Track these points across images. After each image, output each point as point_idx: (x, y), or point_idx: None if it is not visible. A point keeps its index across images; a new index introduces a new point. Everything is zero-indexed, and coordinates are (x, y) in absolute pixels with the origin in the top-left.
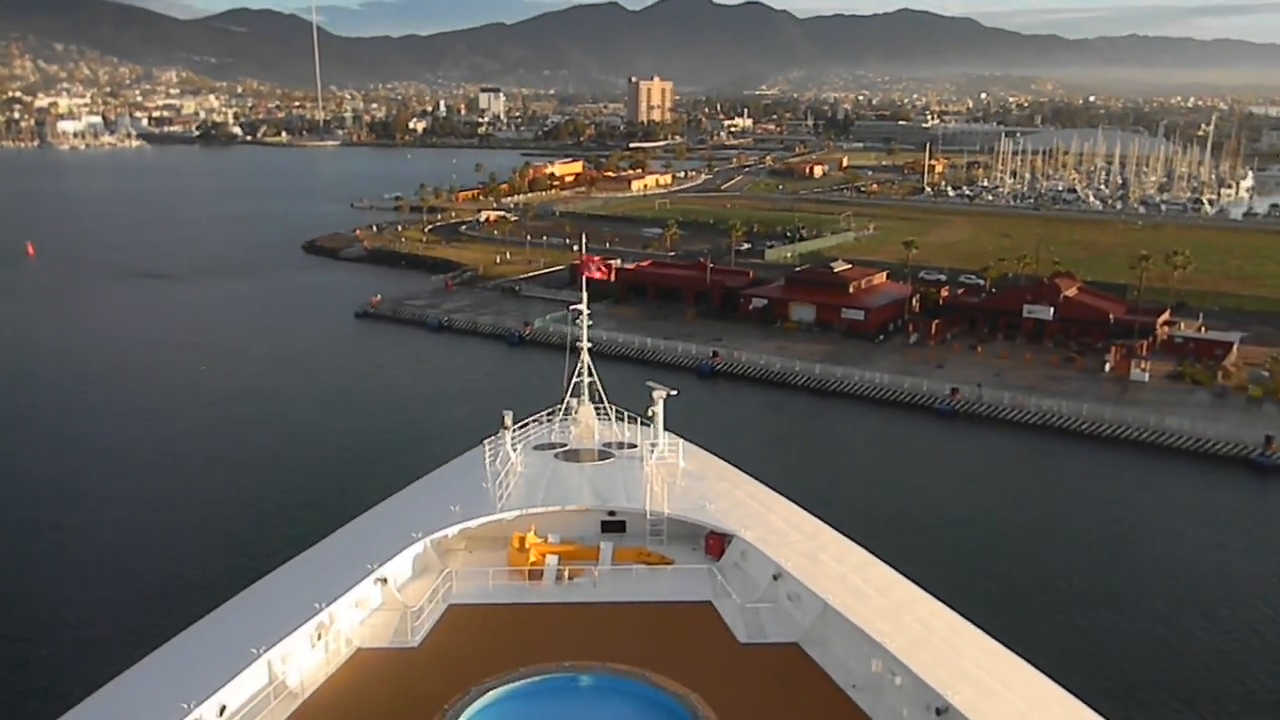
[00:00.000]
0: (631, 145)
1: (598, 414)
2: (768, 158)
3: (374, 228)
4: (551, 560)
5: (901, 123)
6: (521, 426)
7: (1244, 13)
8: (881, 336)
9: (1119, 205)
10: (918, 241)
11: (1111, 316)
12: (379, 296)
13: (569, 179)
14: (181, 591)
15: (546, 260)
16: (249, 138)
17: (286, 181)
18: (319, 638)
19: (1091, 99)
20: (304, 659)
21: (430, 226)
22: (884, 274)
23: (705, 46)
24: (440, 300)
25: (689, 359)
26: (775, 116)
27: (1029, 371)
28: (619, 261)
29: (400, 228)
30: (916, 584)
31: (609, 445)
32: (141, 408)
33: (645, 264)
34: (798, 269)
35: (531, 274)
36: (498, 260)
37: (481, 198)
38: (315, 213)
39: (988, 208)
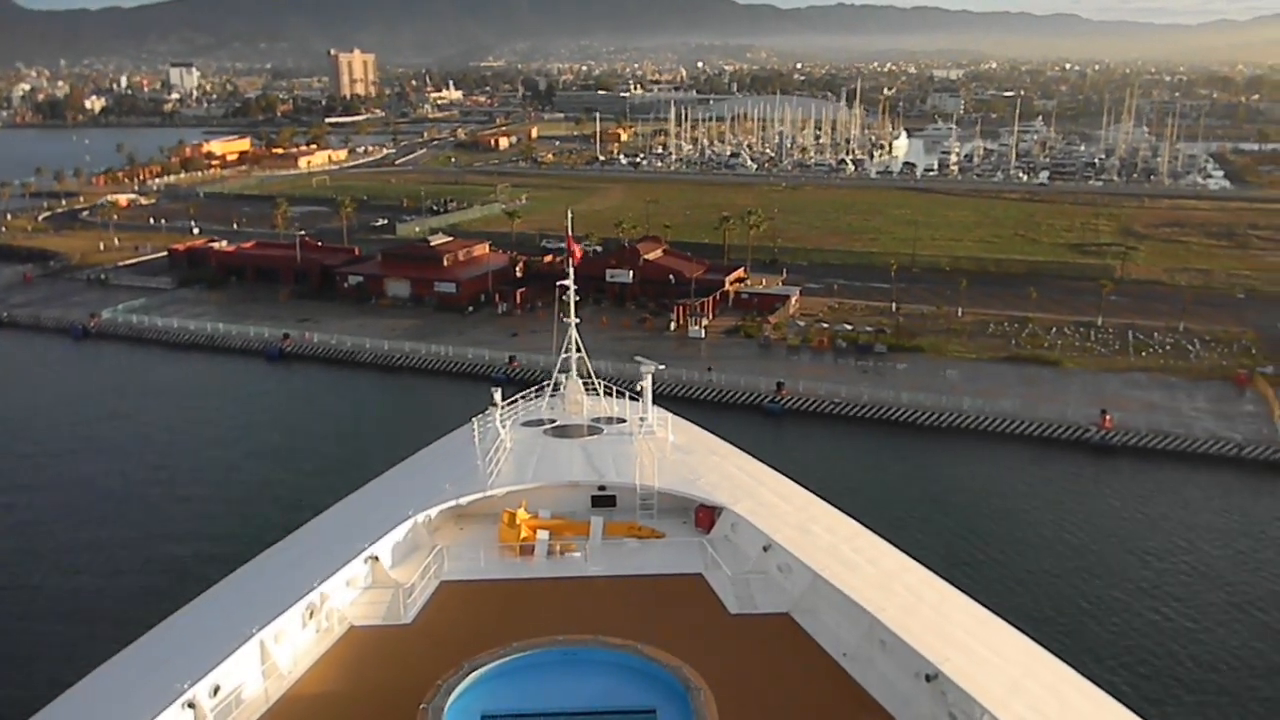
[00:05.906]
0: (330, 120)
1: (586, 390)
2: (459, 130)
3: None
4: (543, 536)
5: (602, 93)
6: (510, 403)
7: None
8: (472, 308)
9: (774, 169)
10: (571, 210)
11: (672, 277)
12: None
13: (232, 157)
14: None
15: (155, 246)
16: None
17: None
18: (311, 617)
19: (799, 66)
20: (297, 638)
21: (45, 214)
22: (486, 245)
23: (434, 18)
24: (12, 294)
25: (260, 343)
26: (489, 89)
27: (602, 334)
28: (224, 243)
29: (9, 216)
30: (907, 554)
31: (598, 420)
32: None
33: (247, 245)
34: (393, 246)
35: (129, 262)
36: (101, 248)
37: (125, 180)
38: None
39: (653, 174)
